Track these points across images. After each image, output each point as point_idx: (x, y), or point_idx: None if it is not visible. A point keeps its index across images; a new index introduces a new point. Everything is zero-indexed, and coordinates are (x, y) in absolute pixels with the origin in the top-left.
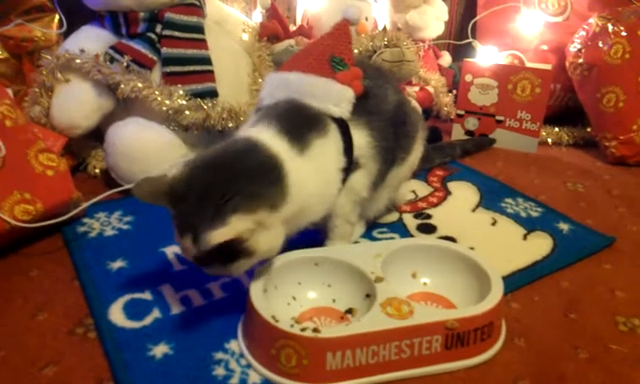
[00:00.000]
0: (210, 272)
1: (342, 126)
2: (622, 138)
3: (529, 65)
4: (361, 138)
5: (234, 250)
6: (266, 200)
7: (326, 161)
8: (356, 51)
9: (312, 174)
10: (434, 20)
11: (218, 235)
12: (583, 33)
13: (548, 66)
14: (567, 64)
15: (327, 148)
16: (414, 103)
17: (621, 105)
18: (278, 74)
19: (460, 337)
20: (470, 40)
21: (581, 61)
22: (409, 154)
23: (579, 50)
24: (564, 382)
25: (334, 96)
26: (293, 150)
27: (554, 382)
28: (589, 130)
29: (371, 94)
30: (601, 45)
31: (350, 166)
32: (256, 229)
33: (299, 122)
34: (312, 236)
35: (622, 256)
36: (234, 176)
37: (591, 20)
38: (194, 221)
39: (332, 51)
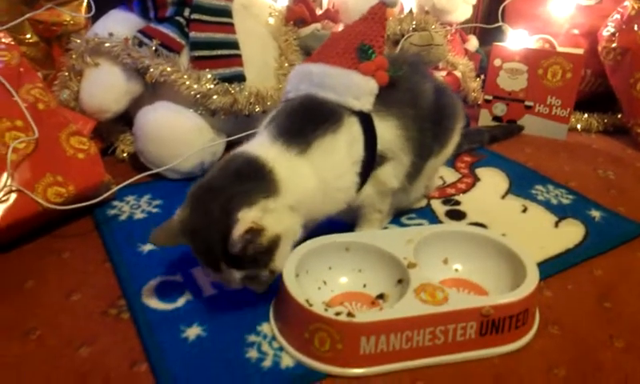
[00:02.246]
0: (256, 285)
1: (364, 118)
2: None
3: (560, 49)
4: (388, 131)
5: (258, 248)
6: (258, 191)
7: (333, 157)
8: None
9: (312, 169)
10: (462, 3)
11: (237, 231)
12: (617, 16)
13: (580, 51)
14: (600, 48)
15: (336, 144)
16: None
17: None
18: (303, 66)
19: (495, 324)
20: (500, 24)
21: (614, 45)
22: (445, 146)
23: (613, 34)
24: (601, 371)
25: (354, 88)
26: (289, 151)
27: (591, 370)
28: (619, 116)
29: (406, 88)
30: (636, 28)
31: (374, 158)
32: (264, 216)
33: (304, 122)
34: (344, 226)
35: None
36: (227, 186)
37: (626, 2)
38: (212, 244)
39: (362, 38)
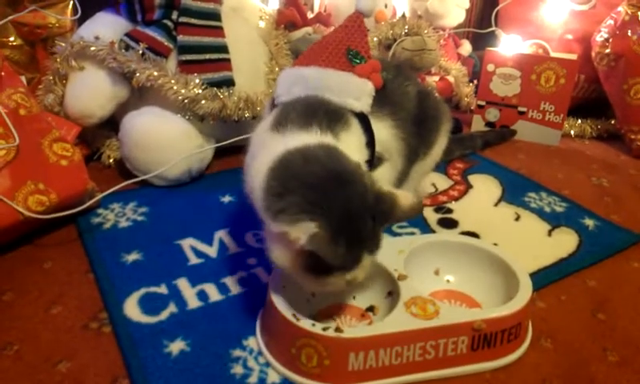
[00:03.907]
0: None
1: (363, 120)
2: None
3: (553, 54)
4: (384, 131)
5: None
6: (367, 172)
7: (352, 153)
8: (375, 39)
9: None
10: (455, 7)
11: (404, 199)
12: (611, 21)
13: (573, 56)
14: (593, 54)
15: (352, 141)
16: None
17: None
18: (294, 69)
19: (487, 338)
20: (494, 28)
21: (608, 51)
22: (431, 148)
23: (606, 40)
24: None
25: (353, 90)
26: (335, 141)
27: None
28: (613, 122)
29: (392, 89)
30: (630, 34)
31: (373, 160)
32: None
33: (326, 116)
34: None
35: None
36: (356, 173)
37: (620, 8)
38: (365, 238)
39: (347, 44)
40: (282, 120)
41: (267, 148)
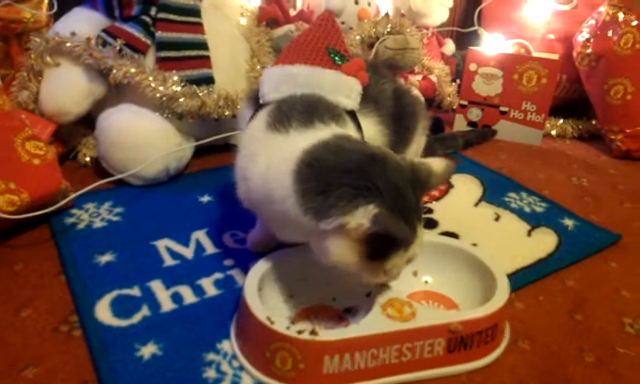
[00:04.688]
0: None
1: (354, 118)
2: (628, 131)
3: (535, 54)
4: (371, 128)
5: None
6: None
7: None
8: (358, 37)
9: None
10: (438, 6)
11: (436, 165)
12: (592, 22)
13: (555, 56)
14: (575, 54)
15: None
16: (417, 93)
17: (629, 97)
18: (278, 67)
19: (463, 340)
20: (476, 28)
21: (589, 51)
22: (408, 146)
23: (587, 40)
24: None
25: (343, 88)
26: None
27: None
28: (594, 122)
29: (370, 87)
30: (610, 34)
31: None
32: None
33: (327, 113)
34: None
35: (628, 254)
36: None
37: (601, 8)
38: (416, 207)
39: (326, 43)
40: (281, 119)
41: (272, 150)
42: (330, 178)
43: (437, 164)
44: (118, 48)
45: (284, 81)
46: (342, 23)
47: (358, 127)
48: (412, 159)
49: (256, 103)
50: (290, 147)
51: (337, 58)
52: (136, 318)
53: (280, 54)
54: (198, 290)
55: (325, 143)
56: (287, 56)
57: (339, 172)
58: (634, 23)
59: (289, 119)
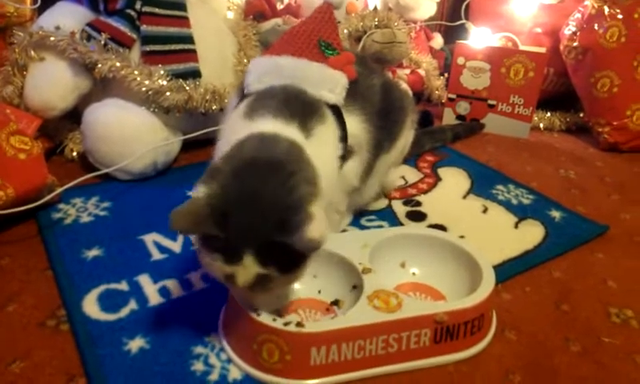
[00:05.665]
0: (262, 297)
1: (336, 112)
2: (615, 123)
3: (523, 48)
4: (355, 124)
5: (312, 249)
6: (314, 183)
7: (327, 148)
8: (345, 31)
9: (319, 159)
10: (426, 0)
11: (313, 231)
12: (579, 15)
13: (542, 50)
14: (561, 47)
15: (328, 135)
16: (405, 86)
17: (615, 90)
18: (266, 58)
19: (449, 330)
20: (463, 21)
21: (575, 44)
22: (396, 140)
23: (574, 33)
24: (556, 376)
25: (328, 81)
26: (302, 135)
27: (546, 376)
28: (581, 115)
29: (359, 81)
30: (596, 27)
31: (345, 153)
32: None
33: (301, 108)
34: None
35: (614, 245)
36: (283, 165)
37: (587, 2)
38: (254, 234)
39: (318, 35)
40: (257, 107)
41: (235, 134)
42: (221, 163)
43: (316, 227)
44: (102, 42)
45: (269, 72)
46: None
47: (341, 122)
48: (303, 202)
49: (242, 93)
50: (244, 132)
51: (327, 51)
52: (124, 312)
53: (272, 44)
54: (186, 284)
55: (248, 137)
56: (276, 48)
57: (218, 166)
58: (620, 16)
59: (263, 108)
